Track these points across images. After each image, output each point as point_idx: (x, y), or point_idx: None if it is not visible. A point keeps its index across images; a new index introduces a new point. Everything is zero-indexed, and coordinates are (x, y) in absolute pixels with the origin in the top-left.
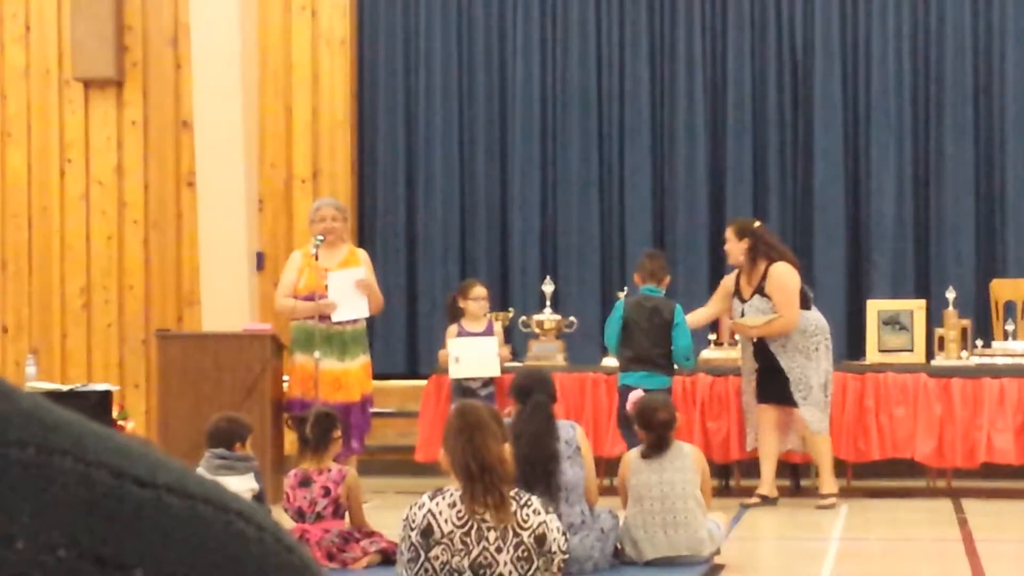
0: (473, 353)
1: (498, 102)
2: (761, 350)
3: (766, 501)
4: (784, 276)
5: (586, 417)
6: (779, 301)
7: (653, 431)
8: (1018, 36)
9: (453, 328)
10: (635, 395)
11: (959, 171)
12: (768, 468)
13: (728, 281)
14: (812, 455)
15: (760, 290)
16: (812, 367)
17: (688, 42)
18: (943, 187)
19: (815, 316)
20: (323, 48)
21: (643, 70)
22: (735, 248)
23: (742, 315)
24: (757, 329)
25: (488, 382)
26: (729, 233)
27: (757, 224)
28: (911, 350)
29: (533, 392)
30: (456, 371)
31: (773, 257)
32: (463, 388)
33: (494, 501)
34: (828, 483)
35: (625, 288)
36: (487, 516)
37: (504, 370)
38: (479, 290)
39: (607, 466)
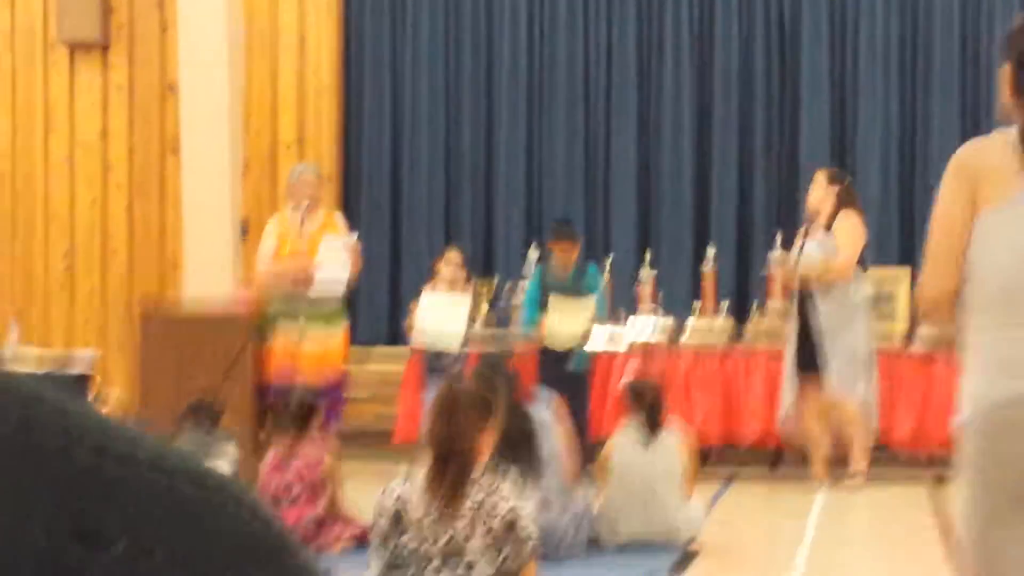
0: (438, 325)
1: (485, 70)
2: (805, 297)
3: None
4: (855, 222)
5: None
6: (842, 243)
7: (643, 411)
8: (1006, 4)
9: (427, 288)
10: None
11: (945, 142)
12: (816, 451)
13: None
14: (843, 426)
15: (828, 228)
16: (847, 325)
17: (675, 16)
18: (929, 158)
19: (864, 284)
20: (310, 12)
21: (630, 40)
22: (821, 192)
23: (800, 251)
24: (816, 272)
25: (459, 356)
26: (820, 177)
27: (848, 178)
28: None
29: (492, 378)
30: (418, 339)
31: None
32: (433, 366)
33: (448, 490)
34: (857, 459)
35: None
36: (441, 502)
37: (470, 340)
38: (451, 254)
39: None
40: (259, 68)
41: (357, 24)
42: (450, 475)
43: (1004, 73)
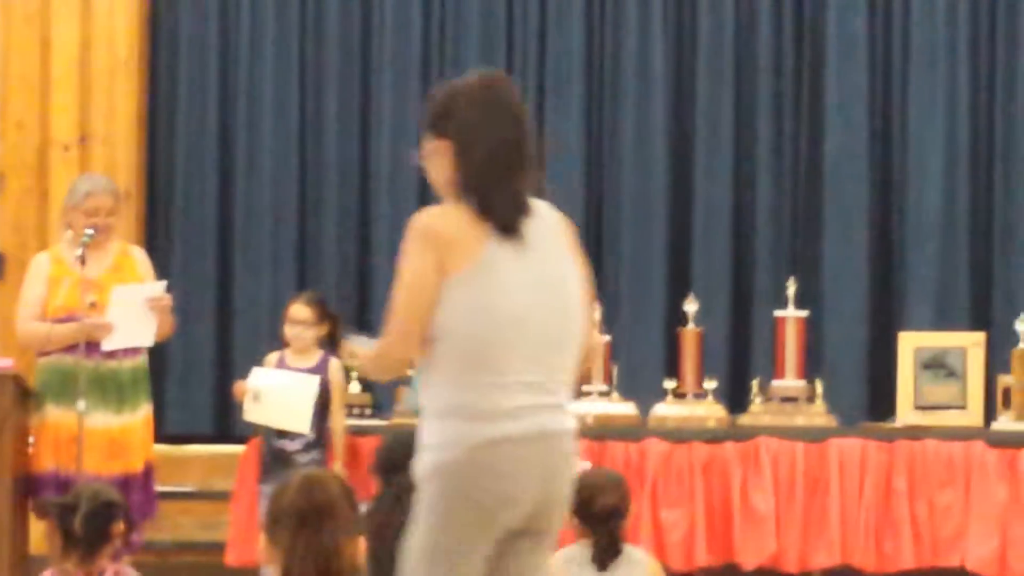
0: (282, 394)
1: (360, 14)
2: None
3: None
4: None
5: None
6: None
7: (596, 523)
8: None
9: (273, 357)
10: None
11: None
12: None
13: None
14: None
15: None
16: None
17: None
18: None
19: None
20: None
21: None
22: None
23: None
24: None
25: (312, 444)
26: None
27: None
28: (963, 407)
29: (400, 468)
30: (253, 412)
31: None
32: (275, 451)
33: None
34: None
35: None
36: None
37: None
38: (297, 310)
39: None
40: (22, 32)
41: None
42: None
43: (441, 149)
